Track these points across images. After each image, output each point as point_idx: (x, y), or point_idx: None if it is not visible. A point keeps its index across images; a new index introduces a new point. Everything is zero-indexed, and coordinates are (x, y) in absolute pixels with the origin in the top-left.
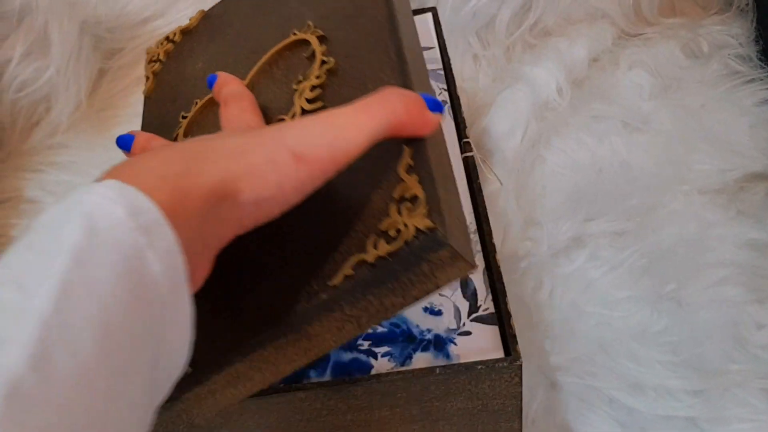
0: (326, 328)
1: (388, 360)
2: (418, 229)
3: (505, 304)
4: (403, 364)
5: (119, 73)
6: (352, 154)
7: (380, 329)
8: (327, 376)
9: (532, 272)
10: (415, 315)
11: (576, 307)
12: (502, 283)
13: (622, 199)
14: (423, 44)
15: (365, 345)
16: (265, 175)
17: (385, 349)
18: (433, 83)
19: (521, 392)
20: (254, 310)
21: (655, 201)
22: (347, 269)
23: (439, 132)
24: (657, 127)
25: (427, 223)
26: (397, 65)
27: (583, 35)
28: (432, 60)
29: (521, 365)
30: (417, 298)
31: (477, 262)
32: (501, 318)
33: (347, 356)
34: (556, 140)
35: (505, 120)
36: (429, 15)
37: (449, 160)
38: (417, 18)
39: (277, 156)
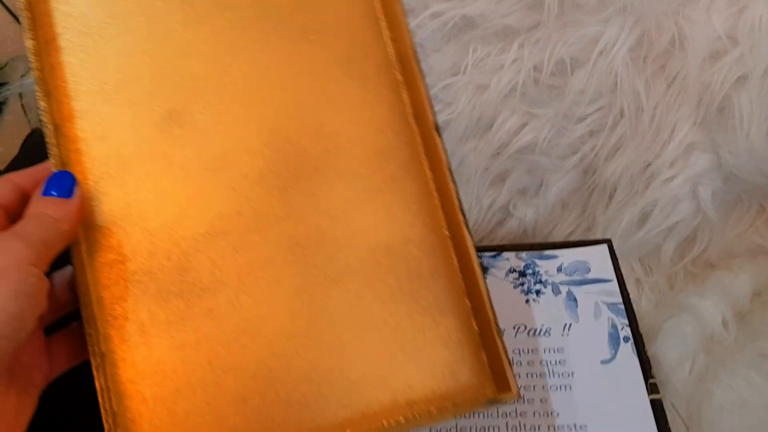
0: None
1: None
2: None
3: None
4: None
5: None
6: None
7: None
8: None
9: None
10: None
11: None
12: None
13: None
14: (600, 276)
15: None
16: None
17: None
18: (613, 318)
19: None
20: None
21: None
22: None
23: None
24: None
25: None
26: None
27: (745, 270)
28: (610, 293)
29: None
30: None
31: None
32: None
33: None
34: (724, 375)
35: (673, 350)
36: (605, 246)
37: None
38: (593, 249)
39: None
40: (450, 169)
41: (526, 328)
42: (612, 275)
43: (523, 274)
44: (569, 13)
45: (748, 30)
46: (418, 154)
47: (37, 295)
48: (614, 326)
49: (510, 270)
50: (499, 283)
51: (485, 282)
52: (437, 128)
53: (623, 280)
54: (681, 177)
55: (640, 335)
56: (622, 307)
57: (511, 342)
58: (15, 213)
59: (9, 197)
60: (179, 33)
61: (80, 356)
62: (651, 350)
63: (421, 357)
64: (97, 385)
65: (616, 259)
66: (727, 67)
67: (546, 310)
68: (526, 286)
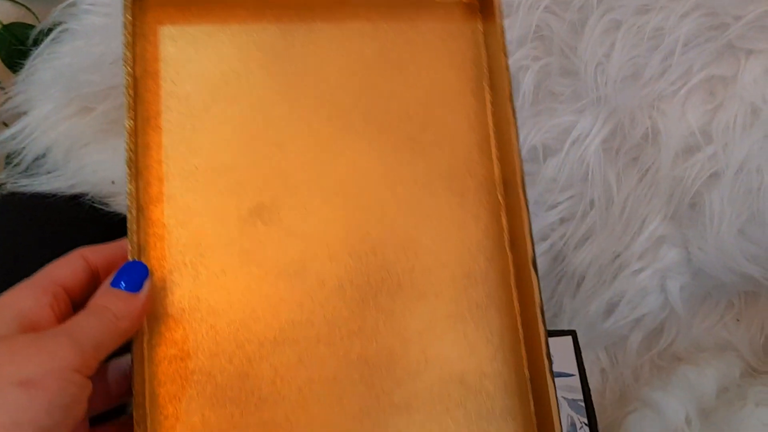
0: None
1: None
2: None
3: None
4: None
5: None
6: None
7: None
8: None
9: None
10: None
11: None
12: None
13: None
14: (563, 370)
15: None
16: None
17: None
18: (573, 415)
19: None
20: None
21: None
22: None
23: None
24: None
25: None
26: None
27: (711, 365)
28: (572, 388)
29: None
30: None
31: None
32: None
33: None
34: None
35: None
36: (569, 338)
37: None
38: (557, 340)
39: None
40: (542, 310)
41: None
42: (575, 369)
43: None
44: (544, 101)
45: (722, 128)
46: (509, 285)
47: (75, 406)
48: (573, 424)
49: None
50: None
51: None
52: (534, 263)
53: (585, 376)
54: (649, 270)
55: None
56: (583, 404)
57: None
58: (81, 295)
59: (77, 277)
60: (280, 126)
61: None
62: None
63: None
64: None
65: (580, 353)
66: (700, 164)
67: None
68: None
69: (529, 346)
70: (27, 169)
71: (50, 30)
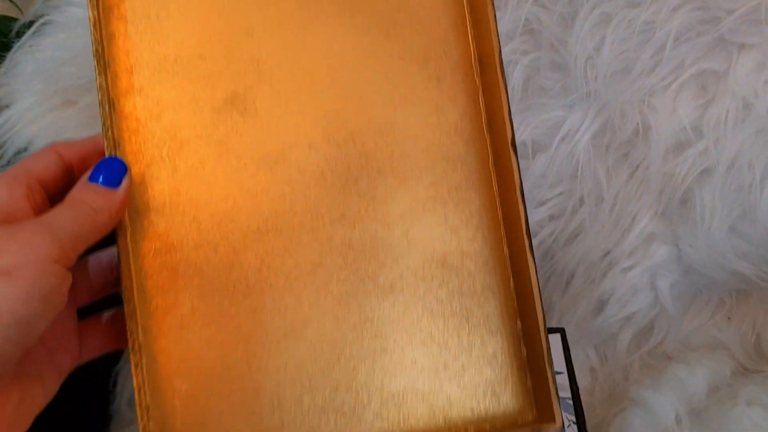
0: None
1: None
2: None
3: None
4: None
5: None
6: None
7: None
8: None
9: None
10: None
11: None
12: None
13: None
14: None
15: None
16: None
17: None
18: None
19: None
20: None
21: None
22: None
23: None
24: None
25: None
26: None
27: (702, 364)
28: (560, 387)
29: None
30: None
31: None
32: None
33: None
34: None
35: None
36: (558, 336)
37: None
38: None
39: None
40: (522, 190)
41: None
42: (563, 367)
43: None
44: (533, 96)
45: (714, 123)
46: (488, 166)
47: (53, 296)
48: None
49: None
50: None
51: (542, 308)
52: (513, 144)
53: (574, 374)
54: (639, 267)
55: None
56: (571, 402)
57: None
58: (56, 190)
59: (51, 171)
60: (249, 11)
61: (115, 344)
62: None
63: (464, 375)
64: (135, 382)
65: (569, 350)
66: (691, 160)
67: None
68: None
69: (508, 225)
70: (9, 162)
71: (32, 22)
